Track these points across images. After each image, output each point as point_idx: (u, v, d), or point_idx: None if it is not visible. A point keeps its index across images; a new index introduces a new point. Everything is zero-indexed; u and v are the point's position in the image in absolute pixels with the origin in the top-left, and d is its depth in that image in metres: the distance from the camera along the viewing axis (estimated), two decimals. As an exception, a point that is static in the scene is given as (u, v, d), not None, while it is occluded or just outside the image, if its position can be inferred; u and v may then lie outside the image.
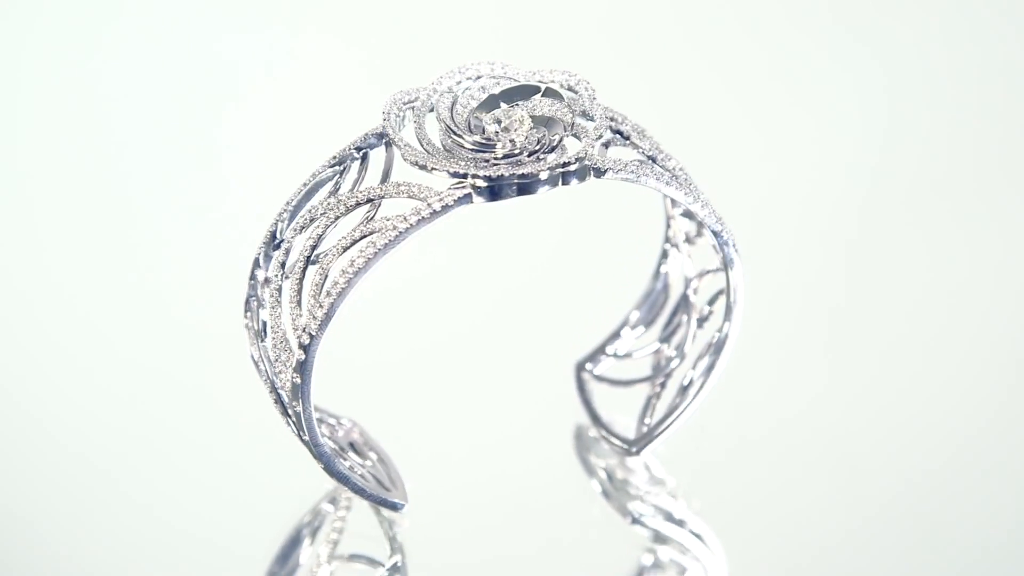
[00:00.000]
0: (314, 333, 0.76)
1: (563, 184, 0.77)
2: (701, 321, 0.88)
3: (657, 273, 0.91)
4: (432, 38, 1.20)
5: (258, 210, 0.81)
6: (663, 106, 1.13)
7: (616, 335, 0.92)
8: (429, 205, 0.76)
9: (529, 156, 0.76)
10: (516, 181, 0.76)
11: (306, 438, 0.79)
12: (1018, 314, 1.02)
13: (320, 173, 0.79)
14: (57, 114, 1.16)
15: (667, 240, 0.90)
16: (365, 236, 0.76)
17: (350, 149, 0.79)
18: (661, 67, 1.22)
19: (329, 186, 0.79)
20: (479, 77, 0.80)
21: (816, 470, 0.91)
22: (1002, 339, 1.00)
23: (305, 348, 0.76)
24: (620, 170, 0.78)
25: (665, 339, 0.90)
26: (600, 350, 0.92)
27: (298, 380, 0.77)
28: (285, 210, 0.79)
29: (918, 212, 1.11)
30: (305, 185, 0.80)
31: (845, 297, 1.05)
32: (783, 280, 1.05)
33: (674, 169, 0.80)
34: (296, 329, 0.77)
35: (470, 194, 0.76)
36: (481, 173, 0.75)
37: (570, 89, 0.80)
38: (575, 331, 0.95)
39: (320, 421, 0.87)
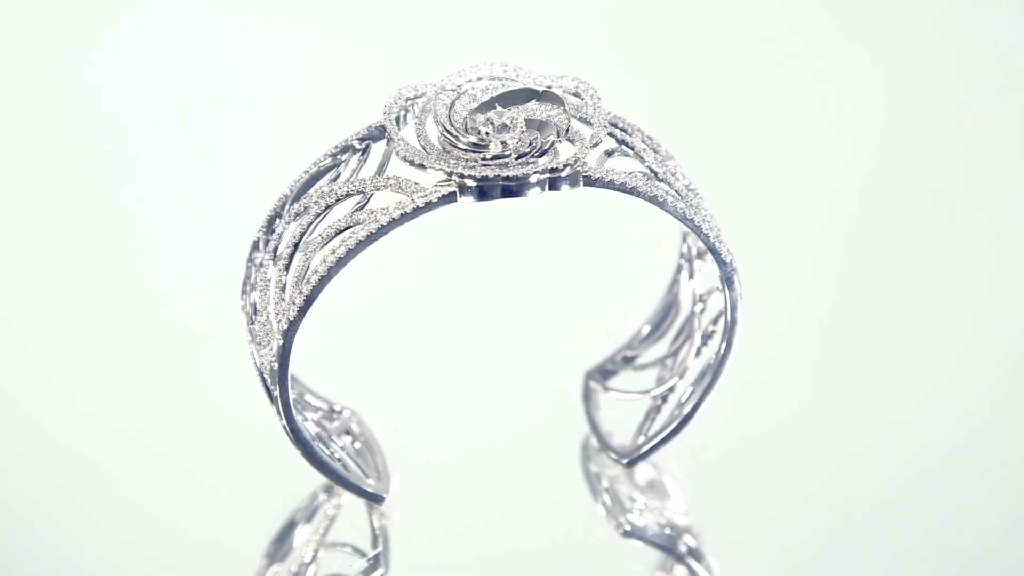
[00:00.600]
0: (292, 319, 0.77)
1: (551, 189, 0.76)
2: (705, 338, 0.87)
3: (671, 287, 0.90)
4: (452, 37, 1.20)
5: (260, 208, 0.81)
6: (666, 109, 1.12)
7: (627, 347, 0.91)
8: (413, 200, 0.76)
9: (518, 158, 0.76)
10: (501, 183, 0.76)
11: (283, 423, 0.80)
12: (1010, 316, 1.01)
13: (322, 162, 0.80)
14: (58, 113, 1.18)
15: (682, 255, 0.89)
16: (349, 227, 0.77)
17: (353, 139, 0.80)
18: (664, 72, 1.21)
19: (332, 174, 0.80)
20: (483, 78, 0.79)
21: (812, 474, 0.90)
22: (994, 341, 0.99)
23: (283, 334, 0.77)
24: (612, 180, 0.77)
25: (672, 354, 0.89)
26: (609, 361, 0.92)
27: (275, 365, 0.78)
28: (285, 196, 0.80)
29: (912, 216, 1.10)
30: (307, 172, 0.80)
31: (839, 300, 1.04)
32: (778, 283, 1.04)
33: (674, 184, 0.79)
34: (277, 314, 0.78)
35: (454, 193, 0.76)
36: (467, 173, 0.75)
37: (575, 95, 0.79)
38: (585, 337, 0.95)
39: (316, 408, 0.88)
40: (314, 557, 0.85)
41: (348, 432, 0.88)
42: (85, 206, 1.10)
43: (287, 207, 0.80)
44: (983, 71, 1.21)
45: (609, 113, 0.80)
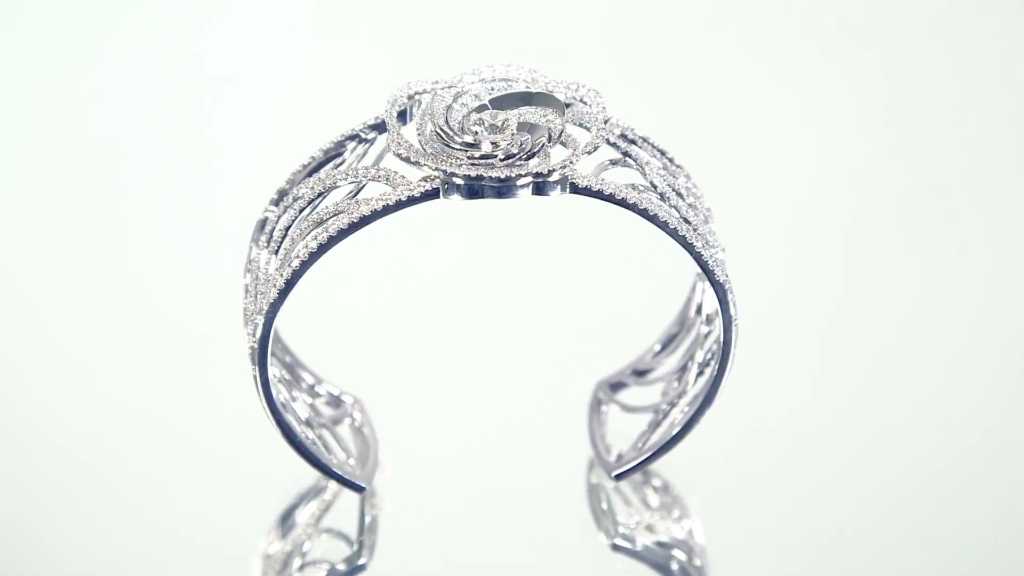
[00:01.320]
0: (272, 301, 0.78)
1: (539, 193, 0.76)
2: (708, 358, 0.85)
3: (686, 304, 0.89)
4: (479, 36, 1.20)
5: (259, 209, 0.83)
6: (680, 119, 1.12)
7: (638, 360, 0.91)
8: (396, 193, 0.76)
9: (505, 159, 0.75)
10: (483, 183, 0.76)
11: (263, 403, 0.81)
12: (1014, 316, 1.00)
13: (330, 149, 0.81)
14: (54, 114, 1.19)
15: (698, 273, 0.87)
16: (335, 215, 0.77)
17: (360, 129, 0.81)
18: (678, 80, 1.20)
19: (337, 160, 0.81)
20: (493, 79, 0.79)
21: (812, 477, 0.89)
22: (999, 341, 0.98)
23: (264, 315, 0.78)
24: (601, 190, 0.76)
25: (680, 370, 0.88)
26: (621, 373, 0.91)
27: (255, 346, 0.79)
28: (291, 179, 0.82)
29: (916, 217, 1.09)
30: (313, 159, 0.81)
31: (842, 302, 1.03)
32: (781, 285, 1.04)
33: (674, 200, 0.78)
34: (260, 296, 0.79)
35: (438, 190, 0.76)
36: (450, 170, 0.76)
37: (582, 101, 0.79)
38: (598, 346, 0.95)
39: (316, 394, 0.89)
40: (306, 540, 0.86)
41: (348, 419, 0.89)
42: (81, 207, 1.11)
43: (291, 190, 0.81)
44: (990, 75, 1.18)
45: (618, 123, 0.80)
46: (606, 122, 0.79)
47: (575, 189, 0.77)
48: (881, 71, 1.20)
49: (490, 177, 0.75)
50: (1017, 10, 1.22)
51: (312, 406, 0.87)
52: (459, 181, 0.76)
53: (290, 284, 0.77)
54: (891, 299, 1.02)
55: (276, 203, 0.82)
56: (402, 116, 0.79)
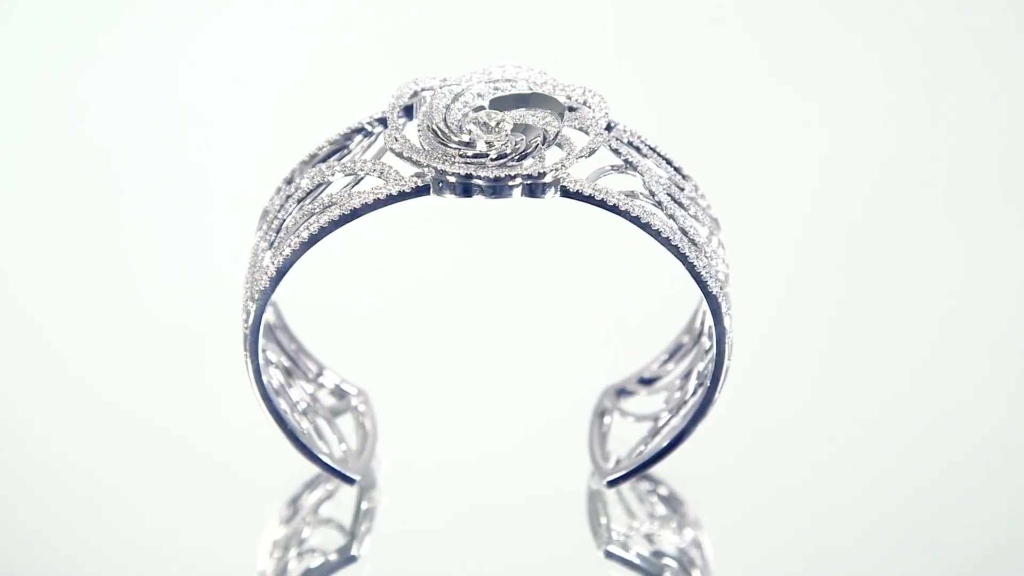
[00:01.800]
0: (263, 288, 0.78)
1: (531, 195, 0.76)
2: (709, 369, 0.85)
3: (694, 315, 0.89)
4: (497, 36, 1.20)
5: (256, 211, 0.83)
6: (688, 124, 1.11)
7: (645, 368, 0.91)
8: (388, 188, 0.77)
9: (496, 159, 0.75)
10: (472, 181, 0.75)
11: (253, 389, 0.81)
12: (1015, 319, 1.00)
13: (337, 140, 0.81)
14: (54, 114, 1.19)
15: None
16: (327, 207, 0.78)
17: (366, 122, 0.81)
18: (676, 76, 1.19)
19: (341, 152, 0.81)
20: (499, 80, 0.79)
21: (813, 482, 0.89)
22: (999, 344, 0.98)
23: (256, 303, 0.79)
24: (592, 195, 0.76)
25: (684, 377, 0.88)
26: (628, 380, 0.91)
27: (247, 332, 0.79)
28: (297, 169, 0.82)
29: (916, 221, 1.09)
30: (320, 149, 0.82)
31: (843, 303, 1.03)
32: (781, 290, 1.04)
33: (672, 209, 0.78)
34: (253, 284, 0.80)
35: (428, 186, 0.76)
36: (440, 167, 0.76)
37: (586, 105, 0.78)
38: (605, 351, 0.96)
39: (320, 385, 0.89)
40: (305, 527, 0.86)
41: (350, 411, 0.89)
42: (80, 207, 1.12)
43: (294, 180, 0.82)
44: (991, 78, 1.18)
45: (626, 130, 0.79)
46: (609, 128, 0.79)
47: (566, 192, 0.76)
48: (882, 73, 1.20)
49: (481, 176, 0.75)
50: (1017, 10, 1.21)
51: (312, 395, 0.88)
52: (451, 179, 0.76)
53: (281, 273, 0.78)
54: (891, 303, 1.02)
55: (280, 192, 0.82)
56: (409, 112, 0.79)
